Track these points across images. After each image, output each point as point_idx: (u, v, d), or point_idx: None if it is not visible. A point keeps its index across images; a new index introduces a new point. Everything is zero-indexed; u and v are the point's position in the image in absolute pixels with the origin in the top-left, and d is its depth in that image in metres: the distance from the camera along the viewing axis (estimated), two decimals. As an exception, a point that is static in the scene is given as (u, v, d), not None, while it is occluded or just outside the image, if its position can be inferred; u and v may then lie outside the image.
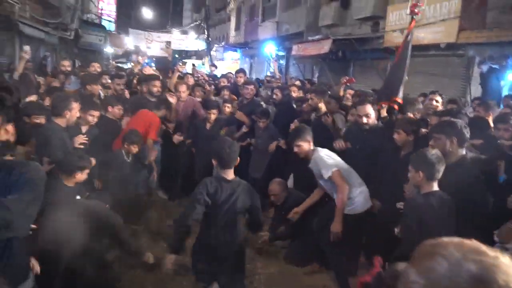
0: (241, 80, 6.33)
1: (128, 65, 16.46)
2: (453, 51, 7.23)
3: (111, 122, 4.25)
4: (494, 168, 2.73)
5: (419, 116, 3.85)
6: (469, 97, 6.71)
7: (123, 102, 4.91)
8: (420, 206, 2.31)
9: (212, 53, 20.70)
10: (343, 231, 3.03)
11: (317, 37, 11.60)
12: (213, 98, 6.01)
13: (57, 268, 2.47)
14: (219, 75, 9.41)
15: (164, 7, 34.55)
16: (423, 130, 3.33)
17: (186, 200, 5.02)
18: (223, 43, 23.62)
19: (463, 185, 2.36)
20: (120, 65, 15.73)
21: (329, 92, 4.73)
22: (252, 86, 5.43)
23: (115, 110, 4.22)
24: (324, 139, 3.64)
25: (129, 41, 20.62)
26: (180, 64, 6.53)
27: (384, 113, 3.83)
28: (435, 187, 2.34)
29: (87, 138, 3.48)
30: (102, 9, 19.40)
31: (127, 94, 5.40)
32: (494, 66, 6.20)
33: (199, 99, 5.63)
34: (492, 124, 3.55)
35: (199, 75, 7.52)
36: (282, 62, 15.76)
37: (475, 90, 6.76)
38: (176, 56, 21.50)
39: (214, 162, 2.61)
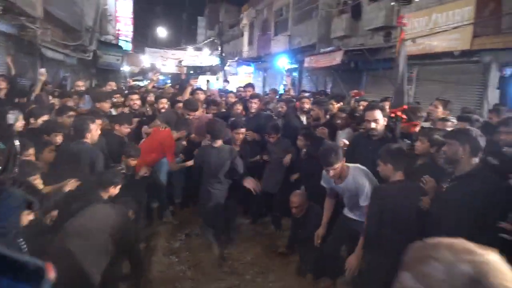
0: (249, 94, 6.43)
1: (144, 83, 16.91)
2: (468, 58, 7.13)
3: (117, 139, 4.31)
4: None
5: (430, 124, 3.82)
6: (486, 104, 6.57)
7: (139, 117, 5.06)
8: (385, 194, 2.70)
9: (226, 68, 21.03)
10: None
11: (329, 49, 11.64)
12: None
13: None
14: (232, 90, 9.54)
15: (178, 26, 35.47)
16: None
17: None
18: (236, 58, 23.97)
19: (475, 195, 2.29)
20: (137, 82, 16.20)
21: (341, 105, 4.77)
22: (256, 100, 5.49)
23: (122, 129, 4.29)
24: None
25: (145, 59, 21.24)
26: (193, 78, 6.66)
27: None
28: (401, 175, 2.74)
29: None
30: (119, 30, 20.02)
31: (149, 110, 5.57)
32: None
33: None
34: None
35: (211, 94, 7.65)
36: (295, 74, 15.84)
37: (492, 96, 6.62)
38: (191, 72, 21.94)
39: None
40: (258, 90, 15.17)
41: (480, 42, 6.59)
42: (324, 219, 3.50)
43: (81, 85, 6.44)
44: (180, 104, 5.61)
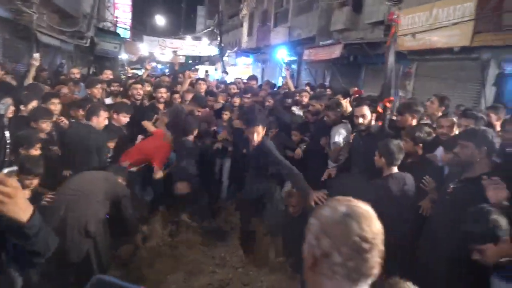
0: (254, 86, 6.36)
1: (142, 71, 16.75)
2: (467, 55, 7.09)
3: (114, 128, 4.25)
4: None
5: (427, 120, 3.81)
6: (483, 101, 6.56)
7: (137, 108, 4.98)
8: (378, 186, 2.77)
9: (225, 58, 20.85)
10: None
11: (328, 42, 11.55)
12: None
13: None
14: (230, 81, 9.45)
15: (177, 14, 35.08)
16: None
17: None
18: (235, 49, 23.78)
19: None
20: (135, 71, 16.04)
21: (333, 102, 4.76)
22: (249, 95, 5.45)
23: (120, 118, 4.20)
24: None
25: (144, 47, 21.02)
26: (192, 69, 6.54)
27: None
28: (394, 170, 2.84)
29: None
30: (117, 17, 19.78)
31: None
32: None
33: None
34: (498, 129, 3.47)
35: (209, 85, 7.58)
36: (294, 67, 15.75)
37: (490, 94, 6.60)
38: (190, 62, 21.76)
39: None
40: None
41: (481, 38, 6.54)
42: None
43: (76, 72, 6.35)
44: (177, 95, 5.55)
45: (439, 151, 3.16)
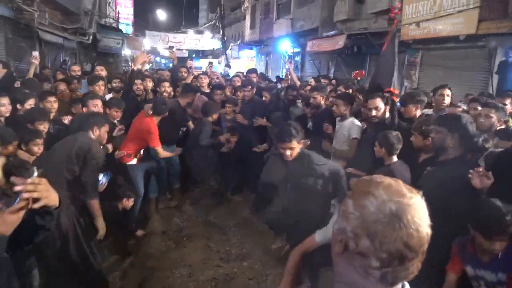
0: (255, 79, 6.31)
1: (146, 67, 16.72)
2: (473, 43, 6.97)
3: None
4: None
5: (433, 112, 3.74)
6: (491, 90, 6.46)
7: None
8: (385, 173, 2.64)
9: (228, 51, 20.76)
10: None
11: (331, 33, 11.43)
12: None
13: None
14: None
15: (179, 8, 34.89)
16: None
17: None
18: (238, 42, 23.65)
19: (451, 185, 2.21)
20: (139, 66, 16.03)
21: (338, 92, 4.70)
22: (249, 88, 5.39)
23: (112, 113, 4.16)
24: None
25: (146, 43, 20.95)
26: (189, 60, 6.43)
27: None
28: (394, 159, 2.96)
29: None
30: (119, 13, 19.72)
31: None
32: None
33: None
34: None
35: (214, 77, 7.49)
36: (298, 58, 15.63)
37: (496, 82, 6.51)
38: (194, 56, 21.69)
39: None
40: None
41: (486, 26, 6.43)
42: None
43: (77, 69, 6.34)
44: (180, 89, 5.54)
45: None
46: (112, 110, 4.14)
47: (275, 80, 9.59)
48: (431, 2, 7.53)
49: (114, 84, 5.46)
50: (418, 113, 3.80)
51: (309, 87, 5.61)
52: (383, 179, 0.87)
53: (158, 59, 28.33)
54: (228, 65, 13.24)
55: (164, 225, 4.59)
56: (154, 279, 3.51)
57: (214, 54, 23.85)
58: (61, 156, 2.83)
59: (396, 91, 3.67)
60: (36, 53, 5.04)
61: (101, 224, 3.01)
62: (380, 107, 3.43)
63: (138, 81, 5.38)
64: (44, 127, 3.38)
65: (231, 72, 11.56)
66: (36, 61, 5.06)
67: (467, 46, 7.15)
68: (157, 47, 22.18)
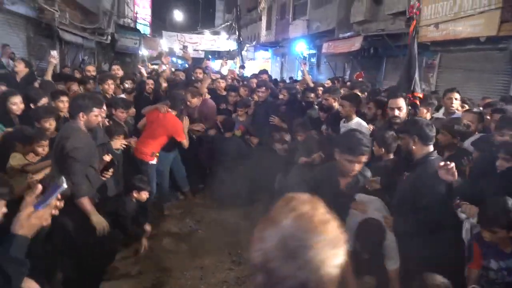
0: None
1: (163, 67, 16.90)
2: (494, 45, 6.78)
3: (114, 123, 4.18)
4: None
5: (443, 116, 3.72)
6: (512, 94, 6.27)
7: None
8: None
9: (243, 53, 20.79)
10: None
11: (347, 34, 11.31)
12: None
13: None
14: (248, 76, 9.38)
15: (196, 9, 35.20)
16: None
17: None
18: (254, 43, 23.67)
19: (420, 183, 2.40)
20: (155, 66, 16.22)
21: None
22: (263, 88, 5.36)
23: (118, 113, 4.19)
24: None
25: (163, 43, 21.20)
26: (206, 60, 6.52)
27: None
28: (391, 156, 3.15)
29: None
30: (137, 13, 20.00)
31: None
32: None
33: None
34: None
35: (231, 76, 7.52)
36: (313, 60, 15.53)
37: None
38: (209, 57, 21.81)
39: None
40: (276, 76, 14.97)
41: (508, 28, 6.24)
42: None
43: (92, 70, 6.42)
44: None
45: (466, 144, 3.16)
46: (118, 111, 4.18)
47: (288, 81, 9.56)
48: (450, 2, 7.37)
49: (126, 85, 5.48)
50: (429, 116, 3.79)
51: (321, 89, 5.57)
52: (301, 205, 0.79)
53: (174, 59, 28.63)
54: (242, 66, 13.25)
55: (176, 226, 4.60)
56: (165, 280, 3.51)
57: (230, 55, 23.92)
58: (53, 151, 2.86)
59: (420, 94, 3.69)
60: (54, 52, 5.11)
61: (96, 220, 2.79)
62: (402, 107, 3.42)
63: (150, 81, 5.48)
64: (50, 124, 3.36)
65: (246, 73, 11.57)
66: (55, 61, 5.13)
67: (487, 48, 6.96)
68: (174, 48, 22.42)
